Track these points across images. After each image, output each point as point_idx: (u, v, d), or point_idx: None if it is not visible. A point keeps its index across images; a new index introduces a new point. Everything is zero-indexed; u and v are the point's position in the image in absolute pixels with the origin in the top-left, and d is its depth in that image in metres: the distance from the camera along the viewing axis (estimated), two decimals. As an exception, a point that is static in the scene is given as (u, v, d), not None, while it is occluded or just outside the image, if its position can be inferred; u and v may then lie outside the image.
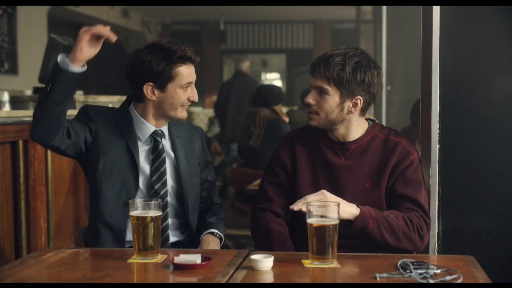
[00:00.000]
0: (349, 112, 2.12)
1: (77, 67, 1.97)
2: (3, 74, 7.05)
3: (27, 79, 6.89)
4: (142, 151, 2.23)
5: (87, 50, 1.98)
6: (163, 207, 2.21)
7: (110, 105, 4.10)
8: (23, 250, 3.25)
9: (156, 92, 2.18)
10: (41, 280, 1.67)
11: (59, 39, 3.94)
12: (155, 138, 2.24)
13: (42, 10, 7.78)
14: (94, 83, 10.56)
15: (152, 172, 2.22)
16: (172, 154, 2.27)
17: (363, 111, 2.16)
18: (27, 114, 3.36)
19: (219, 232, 2.29)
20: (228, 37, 12.42)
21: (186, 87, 2.19)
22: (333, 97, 2.10)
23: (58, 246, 3.44)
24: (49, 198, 3.46)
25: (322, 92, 2.11)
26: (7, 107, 3.66)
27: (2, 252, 3.10)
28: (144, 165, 2.22)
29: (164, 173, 2.23)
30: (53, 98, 1.99)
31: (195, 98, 2.23)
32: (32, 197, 3.31)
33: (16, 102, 3.81)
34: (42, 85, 3.94)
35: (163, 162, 2.24)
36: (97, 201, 2.19)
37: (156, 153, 2.23)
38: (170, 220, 2.26)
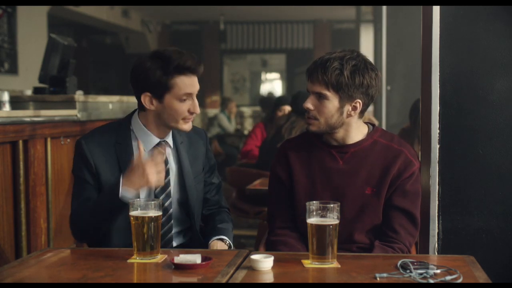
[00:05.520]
0: (349, 115, 2.11)
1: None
2: (3, 74, 7.05)
3: (27, 79, 6.89)
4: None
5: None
6: (167, 218, 2.20)
7: (110, 106, 4.10)
8: (23, 250, 3.25)
9: (154, 102, 2.12)
10: (41, 280, 1.67)
11: (59, 39, 3.94)
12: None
13: (42, 10, 7.78)
14: (94, 83, 10.60)
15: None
16: (177, 163, 2.24)
17: (361, 113, 2.15)
18: (27, 114, 3.35)
19: (228, 240, 2.25)
20: (228, 37, 12.42)
21: (185, 98, 2.11)
22: (332, 102, 2.08)
23: (58, 246, 3.44)
24: (49, 198, 3.46)
25: (320, 97, 2.08)
26: (7, 107, 3.65)
27: (2, 252, 3.10)
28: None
29: (168, 185, 2.20)
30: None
31: (196, 110, 2.14)
32: (32, 197, 3.31)
33: (16, 102, 3.80)
34: (42, 85, 3.94)
35: (167, 173, 2.19)
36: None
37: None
38: (174, 230, 2.24)
